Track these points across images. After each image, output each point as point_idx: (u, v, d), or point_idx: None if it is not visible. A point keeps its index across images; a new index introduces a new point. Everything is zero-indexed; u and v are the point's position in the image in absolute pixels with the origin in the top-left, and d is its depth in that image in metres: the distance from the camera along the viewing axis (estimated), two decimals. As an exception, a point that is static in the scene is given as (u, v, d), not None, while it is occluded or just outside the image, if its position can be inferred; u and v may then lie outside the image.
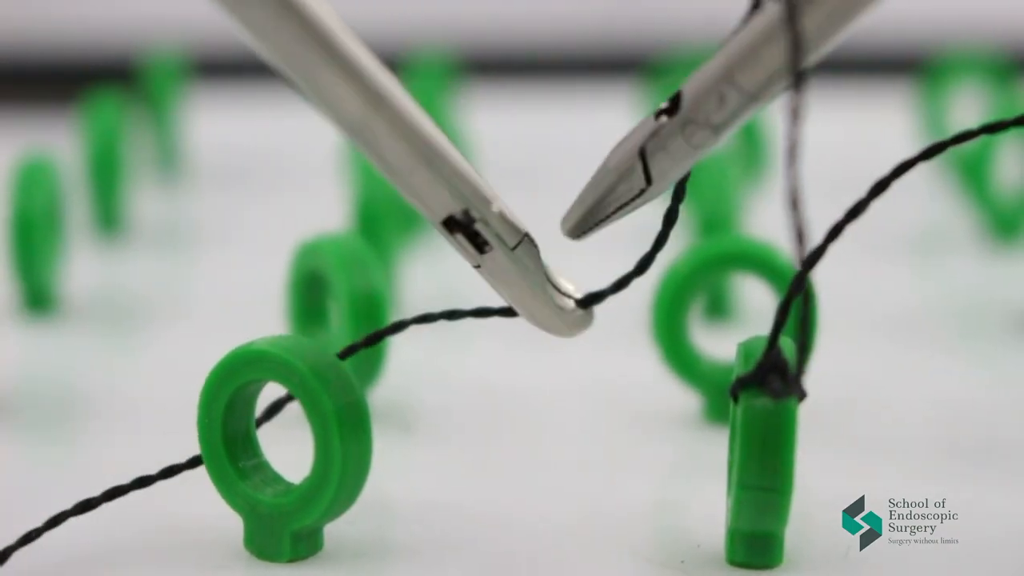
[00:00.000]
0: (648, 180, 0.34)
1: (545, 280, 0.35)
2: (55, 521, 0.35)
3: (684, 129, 0.33)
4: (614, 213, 0.34)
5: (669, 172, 0.34)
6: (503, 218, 0.34)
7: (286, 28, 0.31)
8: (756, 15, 0.31)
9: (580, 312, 0.35)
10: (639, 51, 0.99)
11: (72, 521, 0.36)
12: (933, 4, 1.03)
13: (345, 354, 0.36)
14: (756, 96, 0.32)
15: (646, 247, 0.36)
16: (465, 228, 0.33)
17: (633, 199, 0.34)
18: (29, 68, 1.05)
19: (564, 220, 0.35)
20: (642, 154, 0.33)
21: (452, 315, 0.37)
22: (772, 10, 0.31)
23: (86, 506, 0.36)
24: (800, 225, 0.32)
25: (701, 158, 0.33)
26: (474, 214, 0.33)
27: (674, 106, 0.33)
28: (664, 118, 0.33)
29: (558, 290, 0.35)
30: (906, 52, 0.98)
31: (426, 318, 0.37)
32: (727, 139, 0.33)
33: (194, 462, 0.36)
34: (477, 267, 0.34)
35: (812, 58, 0.31)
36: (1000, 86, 0.78)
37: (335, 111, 0.32)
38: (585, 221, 0.35)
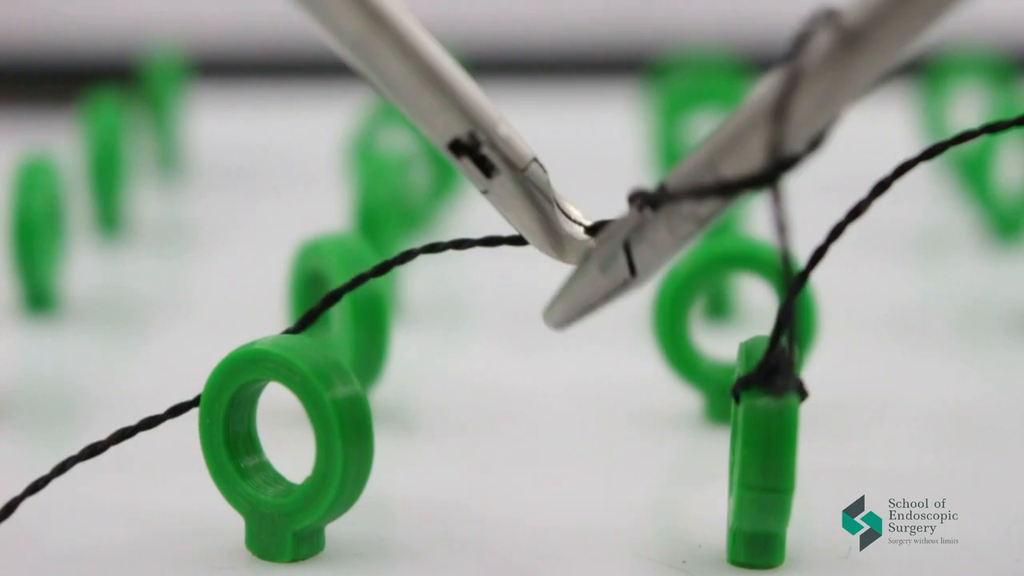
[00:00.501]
0: (632, 271, 0.33)
1: (554, 205, 0.34)
2: (62, 468, 0.35)
3: (669, 221, 0.32)
4: (599, 304, 0.34)
5: (653, 263, 0.33)
6: (510, 141, 0.33)
7: None
8: (739, 107, 0.31)
9: (589, 239, 0.35)
10: (639, 51, 0.99)
11: (72, 520, 0.36)
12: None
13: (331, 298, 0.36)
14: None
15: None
16: (471, 152, 0.33)
17: (617, 289, 0.34)
18: (29, 68, 1.05)
19: (547, 312, 0.35)
20: (626, 246, 0.33)
21: (460, 244, 0.36)
22: (757, 99, 0.31)
23: (93, 451, 0.35)
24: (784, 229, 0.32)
25: (686, 249, 0.33)
26: (480, 137, 0.33)
27: (659, 199, 0.32)
28: (648, 210, 0.33)
29: (567, 216, 0.34)
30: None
31: (434, 247, 0.36)
32: (711, 230, 0.33)
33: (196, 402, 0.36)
34: (485, 192, 0.34)
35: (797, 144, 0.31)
36: (1000, 86, 0.78)
37: (336, 29, 0.31)
38: (569, 313, 0.35)
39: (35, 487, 0.35)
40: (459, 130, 0.33)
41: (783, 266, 0.32)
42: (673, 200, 0.32)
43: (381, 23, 0.31)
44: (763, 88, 0.31)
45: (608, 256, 0.34)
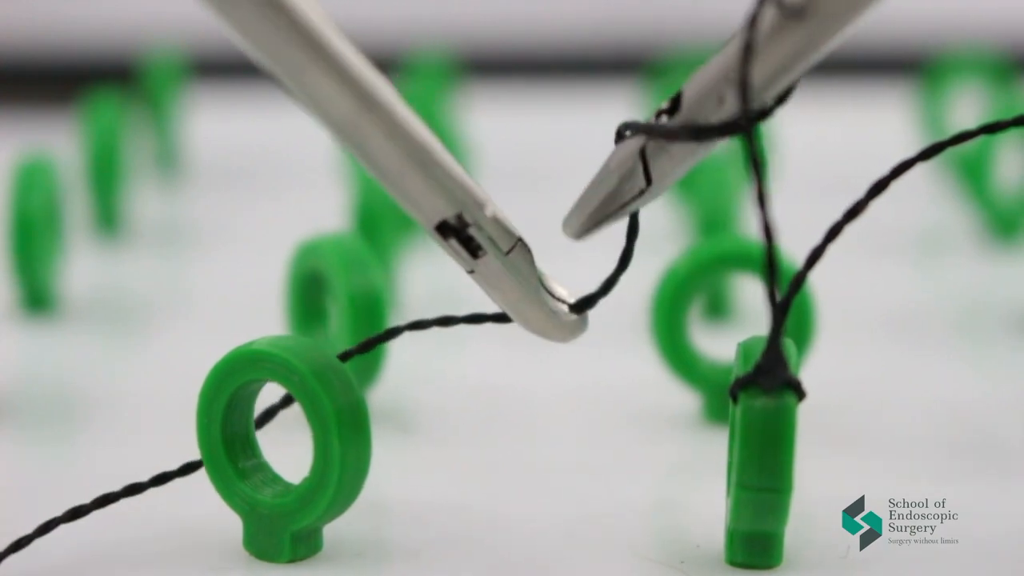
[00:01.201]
0: (648, 180, 0.34)
1: (539, 285, 0.34)
2: (45, 528, 0.35)
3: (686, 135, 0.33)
4: (615, 212, 0.34)
5: (669, 173, 0.33)
6: (497, 222, 0.33)
7: (273, 27, 0.30)
8: (756, 12, 0.31)
9: (574, 317, 0.35)
10: (639, 51, 0.99)
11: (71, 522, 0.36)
12: (933, 4, 1.03)
13: (342, 359, 0.36)
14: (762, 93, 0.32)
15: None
16: (458, 233, 0.33)
17: (634, 199, 0.34)
18: (29, 68, 1.05)
19: (565, 221, 0.35)
20: (643, 154, 0.33)
21: (446, 321, 0.37)
22: (771, 9, 0.31)
23: (76, 513, 0.36)
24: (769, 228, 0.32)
25: (702, 159, 0.33)
26: (468, 219, 0.33)
27: (674, 106, 0.33)
28: (664, 118, 0.33)
29: (552, 295, 0.35)
30: (906, 52, 0.98)
31: (419, 324, 0.37)
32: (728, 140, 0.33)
33: (187, 469, 0.36)
34: (471, 272, 0.34)
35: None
36: (1000, 86, 0.78)
37: (325, 112, 0.31)
38: (587, 221, 0.35)
39: (17, 545, 0.35)
40: (447, 212, 0.33)
41: (762, 215, 0.32)
42: (656, 137, 0.33)
43: (371, 107, 0.31)
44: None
45: (625, 164, 0.34)
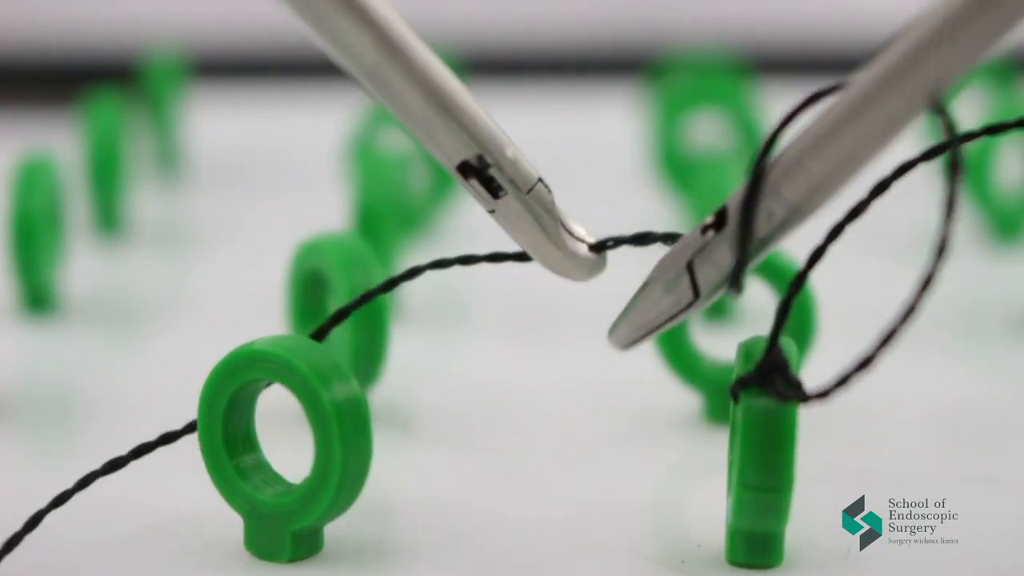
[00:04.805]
0: (696, 293, 0.34)
1: (558, 224, 0.35)
2: (33, 522, 0.35)
3: (731, 242, 0.33)
4: (663, 325, 0.35)
5: (717, 284, 0.34)
6: (517, 163, 0.34)
7: None
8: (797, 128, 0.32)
9: (593, 256, 0.36)
10: (639, 51, 0.99)
11: (71, 521, 0.36)
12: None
13: (359, 302, 0.37)
14: (802, 209, 0.32)
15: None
16: (479, 173, 0.34)
17: (682, 311, 0.35)
18: (29, 68, 1.05)
19: (612, 333, 0.36)
20: (690, 268, 0.34)
21: (467, 260, 0.37)
22: (813, 123, 0.32)
23: (60, 500, 0.36)
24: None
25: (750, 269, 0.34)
26: (488, 159, 0.34)
27: (720, 220, 0.34)
28: (711, 233, 0.34)
29: (571, 234, 0.35)
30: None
31: (441, 263, 0.37)
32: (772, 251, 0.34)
33: (166, 439, 0.36)
34: (491, 212, 0.34)
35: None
36: (1000, 86, 0.78)
37: (351, 58, 0.32)
38: (632, 334, 0.35)
39: (11, 543, 0.35)
40: (468, 153, 0.34)
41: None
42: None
43: (395, 53, 0.32)
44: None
45: (672, 277, 0.34)
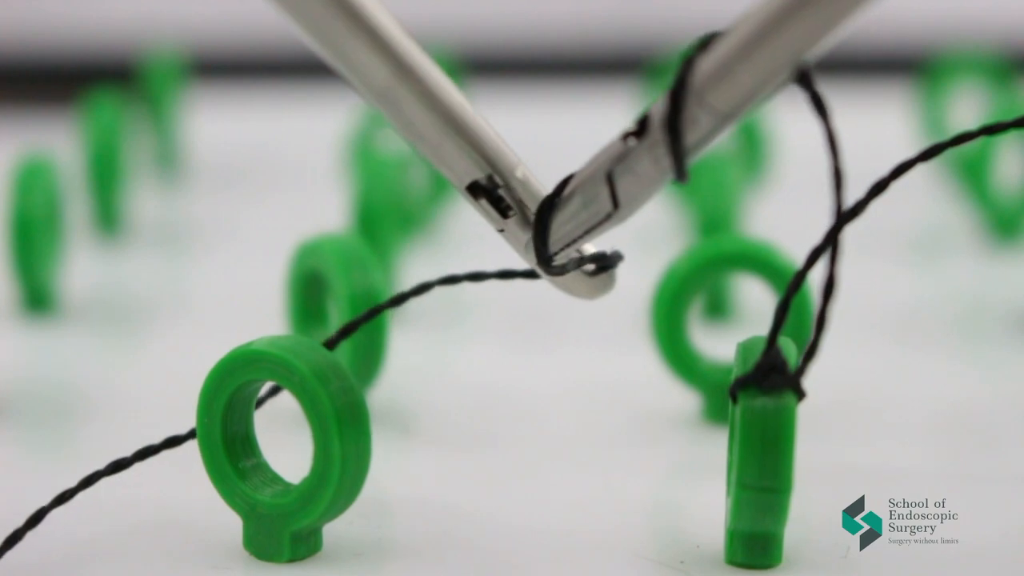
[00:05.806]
0: (615, 204, 0.33)
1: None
2: (35, 520, 0.35)
3: (652, 152, 0.32)
4: (581, 237, 0.34)
5: (637, 196, 0.33)
6: (526, 184, 0.34)
7: (315, 1, 0.31)
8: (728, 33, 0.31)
9: (601, 275, 0.36)
10: (639, 51, 0.99)
11: (70, 520, 0.36)
12: (933, 4, 1.03)
13: (361, 319, 0.37)
14: (729, 115, 0.31)
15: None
16: (489, 193, 0.34)
17: (600, 222, 0.33)
18: (29, 68, 1.05)
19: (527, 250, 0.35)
20: (609, 178, 0.33)
21: (476, 277, 0.37)
22: (743, 28, 0.30)
23: (62, 498, 0.36)
24: None
25: (669, 182, 0.33)
26: (498, 180, 0.34)
27: (642, 129, 0.32)
28: (632, 141, 0.32)
29: (579, 254, 0.35)
30: (906, 52, 0.98)
31: (451, 279, 0.38)
32: (696, 160, 0.32)
33: (170, 442, 0.36)
34: (501, 231, 0.35)
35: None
36: (1000, 86, 0.78)
37: (362, 80, 0.32)
38: (551, 248, 0.34)
39: (11, 540, 0.35)
40: (478, 173, 0.34)
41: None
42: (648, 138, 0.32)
43: (407, 75, 0.32)
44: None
45: (590, 189, 0.33)
